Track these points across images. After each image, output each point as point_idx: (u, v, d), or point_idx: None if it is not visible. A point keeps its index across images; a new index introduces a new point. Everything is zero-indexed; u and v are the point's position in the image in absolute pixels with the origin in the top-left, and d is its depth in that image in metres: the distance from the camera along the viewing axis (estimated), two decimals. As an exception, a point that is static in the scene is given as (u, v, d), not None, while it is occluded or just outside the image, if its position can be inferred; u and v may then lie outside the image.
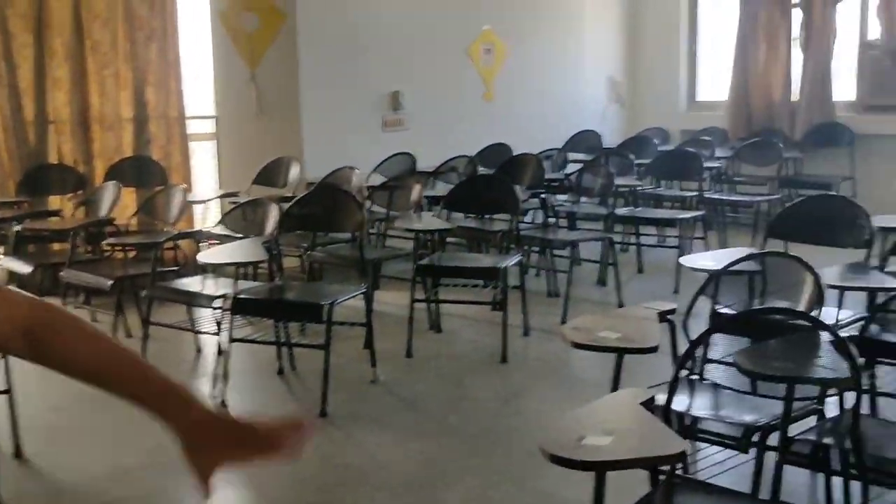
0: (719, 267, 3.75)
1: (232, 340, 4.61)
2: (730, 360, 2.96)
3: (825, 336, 2.77)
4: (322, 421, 4.32)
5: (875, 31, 8.47)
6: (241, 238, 5.10)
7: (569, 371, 5.13)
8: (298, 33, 7.11)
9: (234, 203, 5.81)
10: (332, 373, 4.45)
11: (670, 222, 6.77)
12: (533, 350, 5.45)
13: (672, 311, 3.28)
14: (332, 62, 7.30)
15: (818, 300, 3.15)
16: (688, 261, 4.08)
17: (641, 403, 2.30)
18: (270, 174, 6.90)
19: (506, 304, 5.18)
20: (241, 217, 5.30)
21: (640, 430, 2.15)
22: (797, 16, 8.77)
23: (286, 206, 5.15)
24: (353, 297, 4.67)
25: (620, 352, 2.90)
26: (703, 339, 2.74)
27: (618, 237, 7.07)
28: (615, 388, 3.09)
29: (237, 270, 4.97)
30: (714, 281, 3.49)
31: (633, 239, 7.32)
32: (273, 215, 5.01)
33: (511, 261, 5.29)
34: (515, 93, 8.68)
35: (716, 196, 7.66)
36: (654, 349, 2.87)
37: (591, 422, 2.18)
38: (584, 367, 5.12)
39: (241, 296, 4.55)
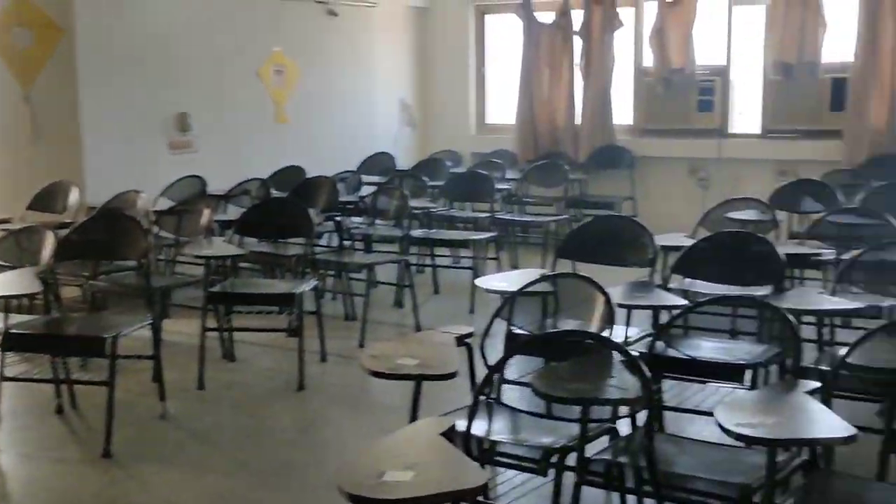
0: (514, 288, 3.80)
1: (4, 379, 4.27)
2: (527, 380, 2.97)
3: (616, 355, 2.85)
4: (106, 462, 4.06)
5: (649, 59, 8.94)
6: (13, 268, 4.73)
7: (368, 397, 5.06)
8: (77, 50, 6.73)
9: (6, 230, 5.41)
10: (117, 409, 4.19)
11: (464, 243, 6.87)
12: (331, 376, 5.35)
13: (469, 335, 3.29)
14: (114, 81, 6.95)
15: (609, 319, 3.24)
16: (483, 282, 4.11)
17: (442, 433, 2.26)
18: (47, 199, 6.47)
19: (302, 330, 5.06)
20: (13, 245, 4.92)
21: (441, 463, 2.10)
22: (578, 43, 9.13)
23: (64, 232, 4.83)
24: (140, 328, 4.43)
25: (419, 379, 2.86)
26: (502, 365, 2.74)
27: (413, 259, 7.10)
28: (414, 415, 3.06)
29: (8, 303, 4.60)
30: (509, 303, 3.52)
31: (428, 260, 7.35)
32: (49, 243, 4.69)
33: (307, 286, 5.18)
34: (308, 115, 8.58)
35: (507, 217, 7.83)
36: (452, 375, 2.85)
37: (391, 456, 2.12)
38: (383, 392, 5.06)
39: (14, 331, 4.21)
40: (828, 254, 5.15)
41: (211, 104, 7.63)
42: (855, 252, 5.00)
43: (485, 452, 2.90)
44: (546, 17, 9.31)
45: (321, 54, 8.75)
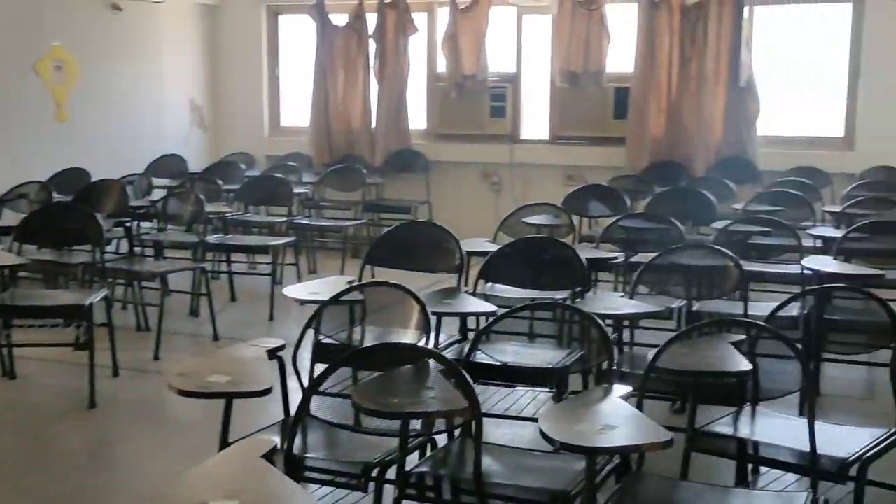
0: (324, 297, 3.72)
1: None
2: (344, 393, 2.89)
3: (434, 364, 2.82)
4: None
5: (443, 65, 9.04)
6: None
7: (166, 413, 4.82)
8: None
9: None
10: None
11: (263, 249, 6.69)
12: (124, 392, 5.06)
13: (281, 348, 3.18)
14: None
15: (425, 328, 3.21)
16: (291, 291, 3.99)
17: (263, 455, 2.15)
18: None
19: (92, 344, 4.76)
20: None
21: (265, 489, 2.00)
22: (373, 46, 9.12)
23: None
24: None
25: (232, 397, 2.74)
26: (322, 379, 2.65)
27: (208, 265, 6.85)
28: (224, 435, 2.93)
29: None
30: (320, 313, 3.43)
31: (224, 267, 7.12)
32: None
33: (96, 296, 4.87)
34: (91, 114, 8.12)
35: (305, 221, 7.71)
36: (267, 391, 2.74)
37: (211, 484, 2.00)
38: (182, 408, 4.83)
39: None
40: (619, 257, 5.38)
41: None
42: (647, 255, 5.26)
43: (301, 471, 2.81)
44: (340, 18, 9.24)
45: (104, 51, 8.31)
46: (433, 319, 3.77)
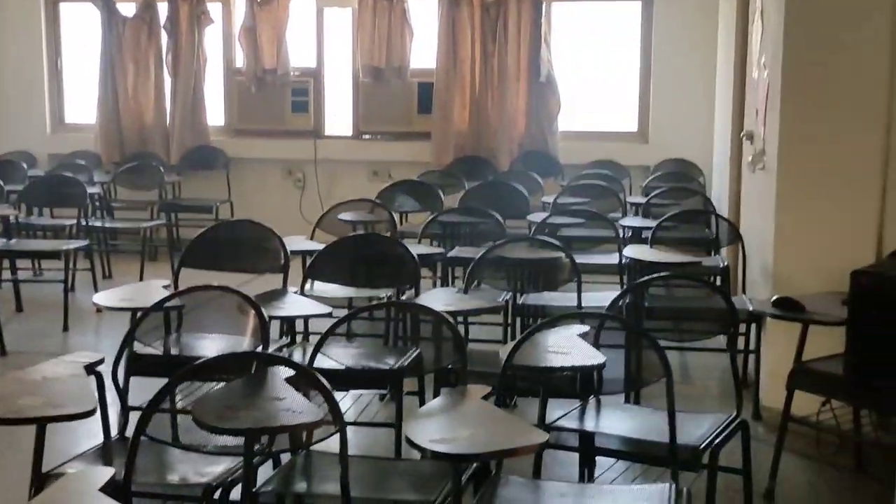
0: (140, 304, 3.39)
1: None
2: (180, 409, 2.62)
3: (282, 371, 2.60)
4: None
5: (241, 58, 8.68)
6: None
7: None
8: None
9: None
10: None
11: (54, 254, 6.15)
12: None
13: (100, 362, 2.86)
14: None
15: (263, 334, 2.97)
16: (102, 299, 3.62)
17: (101, 488, 1.88)
18: None
19: None
20: None
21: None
22: (165, 38, 8.64)
23: None
24: None
25: (49, 421, 2.41)
26: (165, 395, 2.36)
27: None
28: (38, 463, 2.59)
29: None
30: (142, 321, 3.12)
31: (7, 275, 6.50)
32: None
33: None
34: None
35: (101, 224, 7.17)
36: (91, 413, 2.43)
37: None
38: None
39: None
40: (438, 252, 5.29)
41: None
42: (465, 249, 5.22)
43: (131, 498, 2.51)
44: (128, 8, 8.70)
45: None
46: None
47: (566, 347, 2.93)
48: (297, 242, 4.63)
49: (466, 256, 5.43)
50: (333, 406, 2.27)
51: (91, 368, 2.79)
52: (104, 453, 2.75)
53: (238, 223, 4.46)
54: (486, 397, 2.55)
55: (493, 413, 2.39)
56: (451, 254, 5.33)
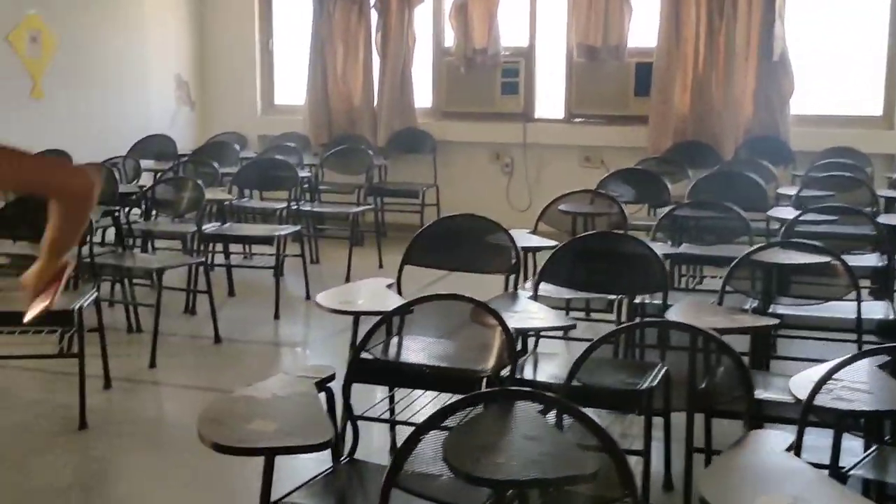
0: (367, 307, 3.11)
1: None
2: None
3: (530, 406, 2.21)
4: None
5: (450, 38, 8.40)
6: None
7: (166, 433, 4.21)
8: None
9: None
10: None
11: (267, 240, 6.02)
12: (119, 408, 4.43)
13: (331, 378, 2.57)
14: None
15: (511, 355, 2.60)
16: (326, 300, 3.35)
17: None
18: None
19: (83, 354, 4.11)
20: None
21: None
22: (375, 18, 8.45)
23: None
24: None
25: (283, 452, 2.12)
26: (415, 441, 1.98)
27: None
28: (267, 493, 2.30)
29: None
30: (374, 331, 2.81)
31: (221, 259, 6.45)
32: None
33: (86, 298, 4.23)
34: (71, 90, 7.40)
35: (311, 208, 7.04)
36: (327, 445, 2.13)
37: None
38: (181, 425, 4.23)
39: None
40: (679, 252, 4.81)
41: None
42: (695, 247, 4.72)
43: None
44: (339, -12, 8.55)
45: (85, 21, 7.58)
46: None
47: (865, 384, 2.43)
48: (522, 238, 4.23)
49: (702, 255, 4.97)
50: (622, 467, 1.83)
51: (322, 385, 2.50)
52: (335, 479, 2.46)
53: (461, 217, 4.10)
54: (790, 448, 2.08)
55: (802, 474, 1.93)
56: (687, 251, 4.85)
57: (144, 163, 7.30)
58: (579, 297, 4.16)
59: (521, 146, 8.37)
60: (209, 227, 5.97)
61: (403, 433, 3.53)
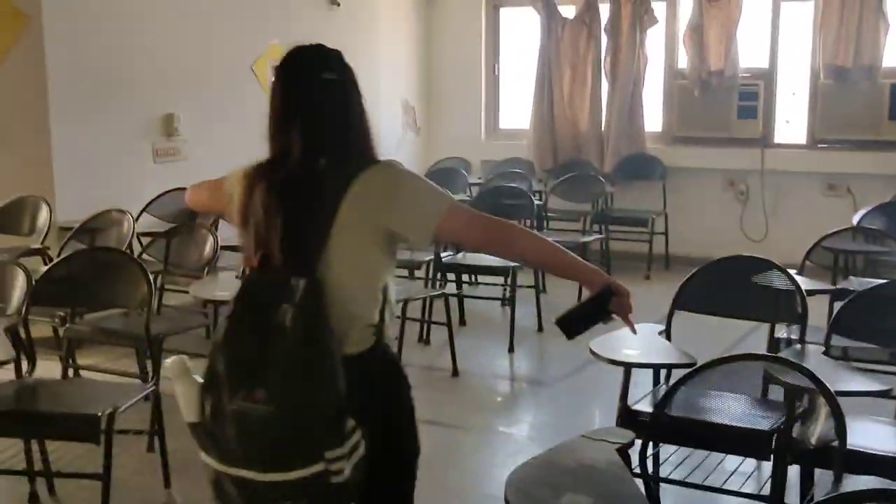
0: (639, 358, 2.87)
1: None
2: None
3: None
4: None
5: (683, 60, 8.06)
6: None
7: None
8: (46, 42, 5.66)
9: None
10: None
11: (501, 270, 5.90)
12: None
13: (631, 444, 2.35)
14: (89, 79, 5.88)
15: (838, 429, 2.30)
16: (601, 348, 3.14)
17: None
18: (10, 219, 5.42)
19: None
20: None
21: None
22: (605, 40, 8.23)
23: (35, 263, 3.80)
24: (141, 398, 3.43)
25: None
26: None
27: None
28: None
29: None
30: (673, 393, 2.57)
31: (451, 288, 6.37)
32: (19, 283, 3.65)
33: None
34: (308, 117, 7.56)
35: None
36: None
37: None
38: (429, 462, 4.12)
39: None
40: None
41: (201, 104, 6.60)
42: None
43: None
44: (568, 10, 8.39)
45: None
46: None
47: None
48: (802, 281, 3.87)
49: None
50: None
51: (623, 451, 2.29)
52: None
53: (735, 259, 3.78)
54: None
55: None
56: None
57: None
58: (860, 346, 3.75)
59: (758, 173, 7.91)
60: (444, 256, 5.90)
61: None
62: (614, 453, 2.24)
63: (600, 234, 7.56)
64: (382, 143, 7.92)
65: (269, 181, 2.18)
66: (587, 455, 2.24)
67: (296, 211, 2.13)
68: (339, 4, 7.78)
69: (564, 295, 6.48)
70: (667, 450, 3.01)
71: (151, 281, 3.71)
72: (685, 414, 2.79)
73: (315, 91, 2.24)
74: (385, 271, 2.18)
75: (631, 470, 2.35)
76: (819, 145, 7.80)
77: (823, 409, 2.29)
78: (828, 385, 2.37)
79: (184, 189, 6.05)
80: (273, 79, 2.29)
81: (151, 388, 3.50)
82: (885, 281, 3.85)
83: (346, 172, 2.14)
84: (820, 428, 2.34)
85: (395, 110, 8.78)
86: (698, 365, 2.55)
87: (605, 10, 8.19)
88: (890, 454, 2.72)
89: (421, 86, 9.06)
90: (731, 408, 2.77)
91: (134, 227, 5.34)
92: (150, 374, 3.77)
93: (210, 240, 4.78)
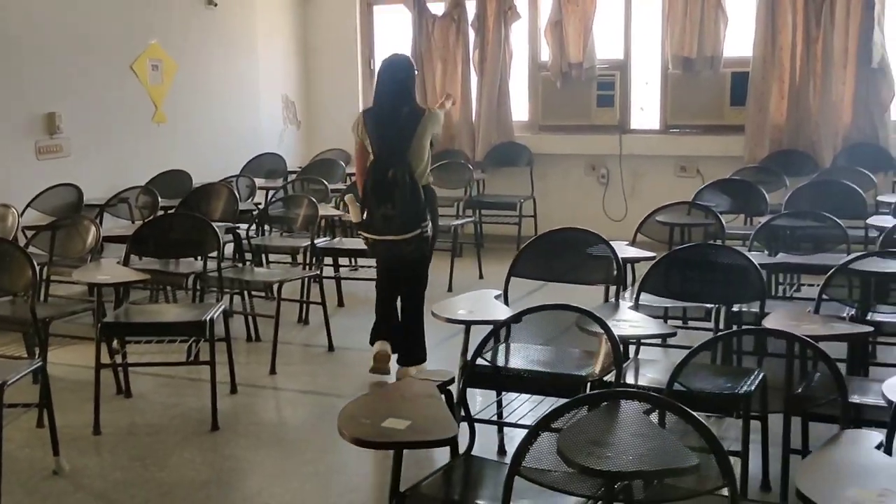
0: (477, 316, 3.35)
1: None
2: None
3: (636, 407, 2.42)
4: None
5: (545, 53, 8.62)
6: None
7: (289, 434, 4.52)
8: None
9: None
10: None
11: (374, 253, 6.32)
12: (245, 411, 4.76)
13: (451, 381, 2.81)
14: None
15: (616, 361, 2.81)
16: (442, 309, 3.60)
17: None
18: None
19: (214, 361, 4.45)
20: None
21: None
22: (472, 35, 8.72)
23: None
24: (27, 373, 3.75)
25: (416, 447, 2.37)
26: (553, 419, 2.22)
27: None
28: (396, 484, 2.56)
29: None
30: (491, 337, 3.05)
31: (330, 272, 6.78)
32: None
33: (216, 310, 4.57)
34: (188, 114, 7.87)
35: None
36: (453, 440, 2.38)
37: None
38: (302, 427, 4.56)
39: None
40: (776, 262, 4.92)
41: (82, 103, 6.85)
42: (791, 257, 4.83)
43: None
44: (438, 7, 8.87)
45: (200, 48, 8.04)
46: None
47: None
48: (621, 249, 4.42)
49: (799, 263, 5.07)
50: (723, 459, 2.03)
51: (443, 388, 2.75)
52: (454, 472, 2.70)
53: (565, 230, 4.31)
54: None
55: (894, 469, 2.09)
56: (784, 260, 4.97)
57: (256, 181, 7.70)
58: (677, 305, 4.32)
59: (616, 157, 8.53)
60: (320, 242, 6.30)
61: (510, 434, 3.79)
62: (435, 388, 2.70)
63: (473, 217, 8.04)
64: (264, 136, 8.42)
65: (375, 118, 4.94)
66: (413, 390, 2.69)
67: (392, 132, 4.83)
68: (216, 4, 8.08)
69: (438, 277, 7.02)
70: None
71: (36, 267, 4.01)
72: (507, 364, 3.27)
73: (399, 76, 4.97)
74: (429, 156, 4.96)
75: (452, 407, 2.81)
76: (671, 130, 8.46)
77: (605, 349, 2.79)
78: (613, 331, 2.88)
79: (69, 185, 6.34)
80: (379, 67, 5.11)
81: (39, 364, 3.82)
82: (685, 245, 4.41)
83: (417, 115, 4.91)
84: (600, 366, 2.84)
85: (276, 105, 9.12)
86: (502, 320, 3.04)
87: (471, 7, 8.68)
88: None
89: (300, 81, 9.42)
90: (543, 356, 3.25)
91: (19, 222, 5.58)
92: (37, 354, 4.07)
93: (93, 231, 5.08)
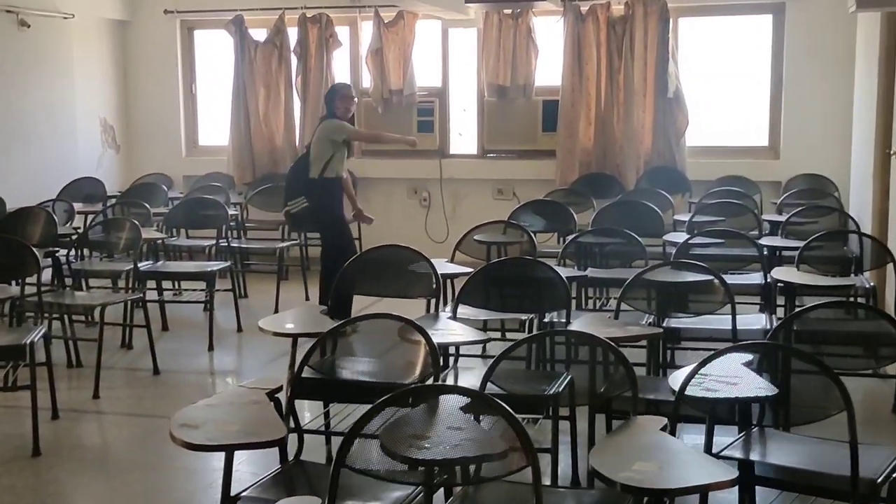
0: (304, 329, 3.50)
1: None
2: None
3: (453, 403, 2.63)
4: None
5: (367, 80, 8.85)
6: None
7: (113, 456, 4.50)
8: None
9: None
10: None
11: (200, 275, 6.35)
12: (67, 436, 4.70)
13: (279, 389, 2.95)
14: None
15: (435, 363, 3.02)
16: (270, 324, 3.72)
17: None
18: None
19: (34, 386, 4.39)
20: None
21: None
22: (294, 62, 8.86)
23: None
24: None
25: (247, 448, 2.50)
26: (365, 423, 2.39)
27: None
28: (227, 489, 2.67)
29: None
30: (319, 347, 3.20)
31: (154, 295, 6.73)
32: None
33: (36, 334, 4.51)
34: (2, 136, 7.63)
35: (240, 245, 7.40)
36: (282, 441, 2.52)
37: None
38: (127, 449, 4.56)
39: None
40: (582, 275, 5.29)
41: None
42: (598, 270, 5.20)
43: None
44: (259, 34, 8.95)
45: (13, 70, 7.83)
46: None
47: (733, 377, 2.91)
48: (441, 266, 4.67)
49: (604, 277, 5.47)
50: (524, 439, 2.28)
51: (272, 395, 2.88)
52: (286, 478, 2.83)
53: (387, 248, 4.52)
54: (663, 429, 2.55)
55: (674, 445, 2.38)
56: (591, 274, 5.34)
57: (75, 205, 7.54)
58: (495, 317, 4.60)
59: (437, 181, 8.84)
60: (143, 266, 6.27)
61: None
62: (264, 395, 2.83)
63: (298, 241, 8.14)
64: (81, 160, 8.30)
65: None
66: (242, 398, 2.81)
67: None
68: (28, 26, 7.90)
69: (264, 300, 7.10)
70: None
71: None
72: (331, 376, 3.43)
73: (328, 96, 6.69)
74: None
75: (281, 415, 2.94)
76: (488, 155, 8.84)
77: (423, 355, 3.01)
78: (432, 338, 3.10)
79: None
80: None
81: None
82: (500, 259, 4.71)
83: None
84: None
85: (94, 129, 8.96)
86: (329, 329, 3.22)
87: (293, 34, 8.82)
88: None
89: (119, 105, 9.29)
90: (370, 367, 3.43)
91: None
92: None
93: None
